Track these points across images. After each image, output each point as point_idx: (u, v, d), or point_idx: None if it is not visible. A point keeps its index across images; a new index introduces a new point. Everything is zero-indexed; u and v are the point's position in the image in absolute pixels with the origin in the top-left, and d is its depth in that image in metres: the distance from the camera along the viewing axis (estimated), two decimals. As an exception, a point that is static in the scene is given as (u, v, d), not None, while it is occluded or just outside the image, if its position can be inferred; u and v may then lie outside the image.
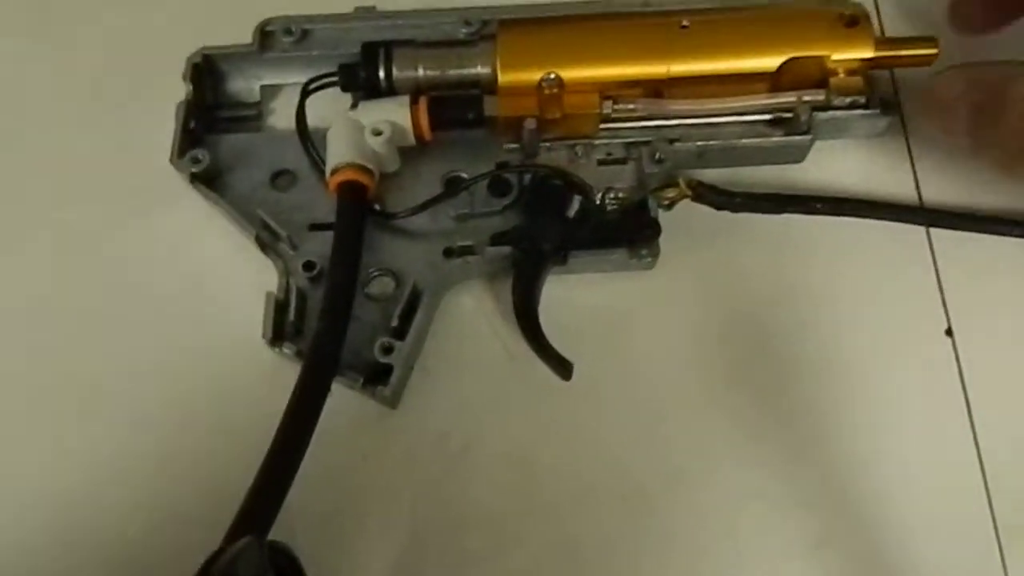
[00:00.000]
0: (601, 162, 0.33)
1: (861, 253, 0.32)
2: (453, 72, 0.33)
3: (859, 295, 0.32)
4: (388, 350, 0.29)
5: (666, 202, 0.32)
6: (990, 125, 0.29)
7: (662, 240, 0.31)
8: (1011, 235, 0.32)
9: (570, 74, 0.32)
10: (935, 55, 0.33)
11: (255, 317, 0.30)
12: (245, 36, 0.35)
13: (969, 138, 0.30)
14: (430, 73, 0.33)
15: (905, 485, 0.29)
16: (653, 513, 0.29)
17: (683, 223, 0.32)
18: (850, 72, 0.32)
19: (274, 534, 0.25)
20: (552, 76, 0.32)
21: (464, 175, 0.33)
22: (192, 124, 0.33)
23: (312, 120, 0.33)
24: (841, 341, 0.31)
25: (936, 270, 0.32)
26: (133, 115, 0.35)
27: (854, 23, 0.32)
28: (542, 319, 0.30)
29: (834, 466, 0.29)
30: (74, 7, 0.39)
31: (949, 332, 0.31)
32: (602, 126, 0.33)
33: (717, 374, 0.31)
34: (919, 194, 0.34)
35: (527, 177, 0.32)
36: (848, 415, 0.30)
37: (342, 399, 0.29)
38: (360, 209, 0.31)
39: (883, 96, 0.33)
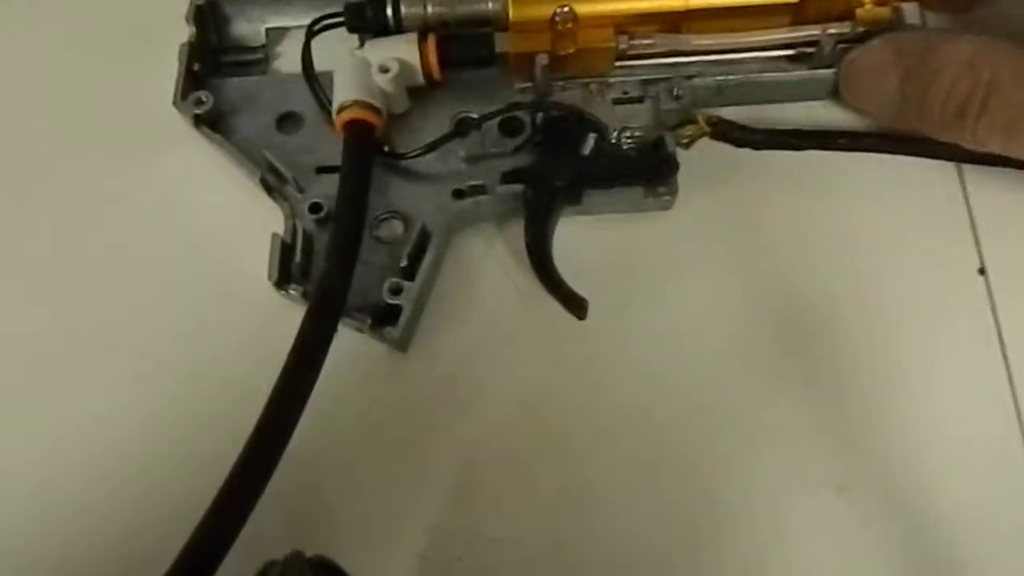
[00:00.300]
0: (616, 101, 0.32)
1: (889, 191, 0.31)
2: (463, 9, 0.31)
3: (887, 235, 0.30)
4: (397, 291, 0.28)
5: (685, 140, 0.31)
6: (919, 93, 0.28)
7: (680, 180, 0.30)
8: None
9: (584, 7, 0.30)
10: (971, -7, 0.32)
11: (261, 260, 0.29)
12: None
13: (899, 105, 0.29)
14: (439, 10, 0.31)
15: (937, 429, 0.28)
16: (670, 456, 0.28)
17: (702, 162, 0.31)
18: (878, 3, 0.31)
19: (282, 478, 0.24)
20: (566, 9, 0.31)
21: (475, 115, 0.32)
22: (196, 66, 0.32)
23: (319, 63, 0.32)
24: (869, 283, 0.30)
25: (968, 207, 0.31)
26: (137, 58, 0.34)
27: (883, -49, 0.31)
28: (556, 261, 0.29)
29: (862, 409, 0.28)
30: None
31: (982, 271, 0.30)
32: (617, 64, 0.32)
33: (737, 317, 0.30)
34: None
35: (540, 116, 0.31)
36: (878, 358, 0.29)
37: (352, 342, 0.28)
38: (367, 148, 0.30)
39: (912, 28, 0.31)
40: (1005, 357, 0.29)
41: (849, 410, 0.28)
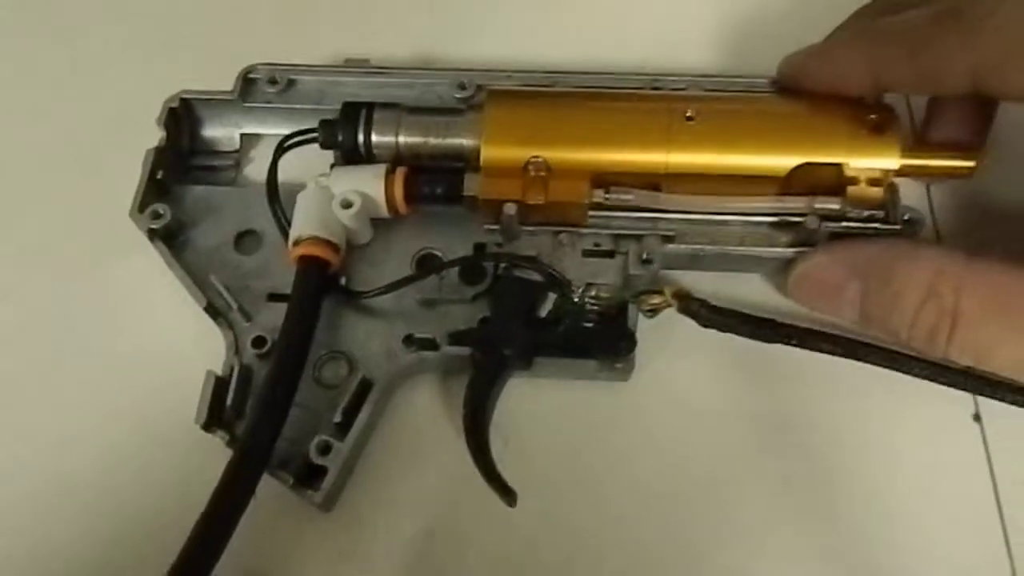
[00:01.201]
0: (587, 252, 0.30)
1: (878, 396, 0.29)
2: (436, 141, 0.30)
3: (876, 443, 0.29)
4: (325, 450, 0.27)
5: (649, 311, 0.29)
6: (883, 316, 0.27)
7: (645, 346, 0.29)
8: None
9: (559, 157, 0.29)
10: (973, 168, 0.30)
11: (197, 389, 0.28)
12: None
13: (861, 321, 0.28)
14: (412, 140, 0.30)
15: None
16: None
17: (668, 328, 0.30)
18: (872, 181, 0.29)
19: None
20: (540, 159, 0.29)
21: (438, 253, 0.31)
22: (160, 174, 0.31)
23: (294, 172, 0.31)
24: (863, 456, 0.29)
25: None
26: (109, 160, 0.33)
27: (880, 129, 0.29)
28: (504, 416, 0.28)
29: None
30: (58, 47, 0.38)
31: (977, 417, 0.29)
32: (593, 212, 0.30)
33: (682, 502, 0.28)
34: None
35: (501, 267, 0.30)
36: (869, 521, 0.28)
37: (278, 490, 0.27)
38: (317, 289, 0.29)
39: (907, 211, 0.29)
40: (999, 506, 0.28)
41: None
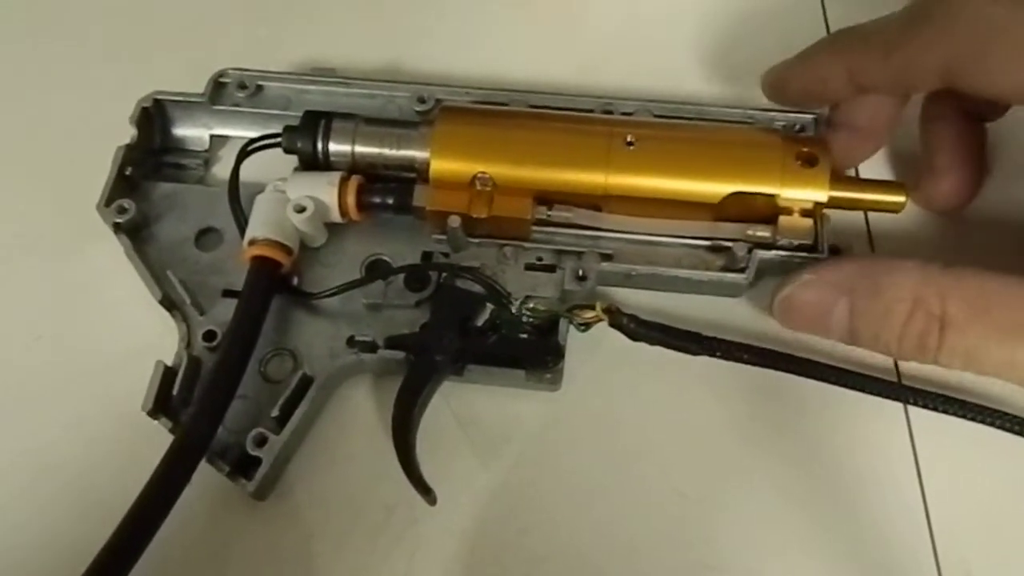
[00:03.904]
0: (529, 266, 0.32)
1: (797, 409, 0.30)
2: (390, 152, 0.32)
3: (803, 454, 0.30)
4: (261, 442, 0.28)
5: (582, 324, 0.30)
6: (873, 332, 0.28)
7: (576, 359, 0.30)
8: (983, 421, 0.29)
9: (504, 174, 0.30)
10: (902, 203, 0.31)
11: (146, 377, 0.29)
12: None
13: (850, 338, 0.29)
14: (367, 150, 0.32)
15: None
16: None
17: (600, 345, 0.31)
18: (804, 212, 0.30)
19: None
20: (486, 175, 0.31)
21: (388, 259, 0.32)
22: (129, 170, 0.33)
23: (260, 172, 0.32)
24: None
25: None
26: (84, 155, 0.34)
27: (811, 162, 0.30)
28: (435, 417, 0.29)
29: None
30: (39, 51, 0.39)
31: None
32: (538, 228, 0.32)
33: (606, 507, 0.29)
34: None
35: (444, 275, 0.31)
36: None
37: (213, 478, 0.28)
38: (266, 289, 0.30)
39: (832, 242, 0.31)
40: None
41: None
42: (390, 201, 0.31)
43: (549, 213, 0.31)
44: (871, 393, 0.29)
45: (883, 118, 0.32)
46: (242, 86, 0.34)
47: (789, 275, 0.30)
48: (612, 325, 0.30)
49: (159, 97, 0.34)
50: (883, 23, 0.29)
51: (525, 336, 0.30)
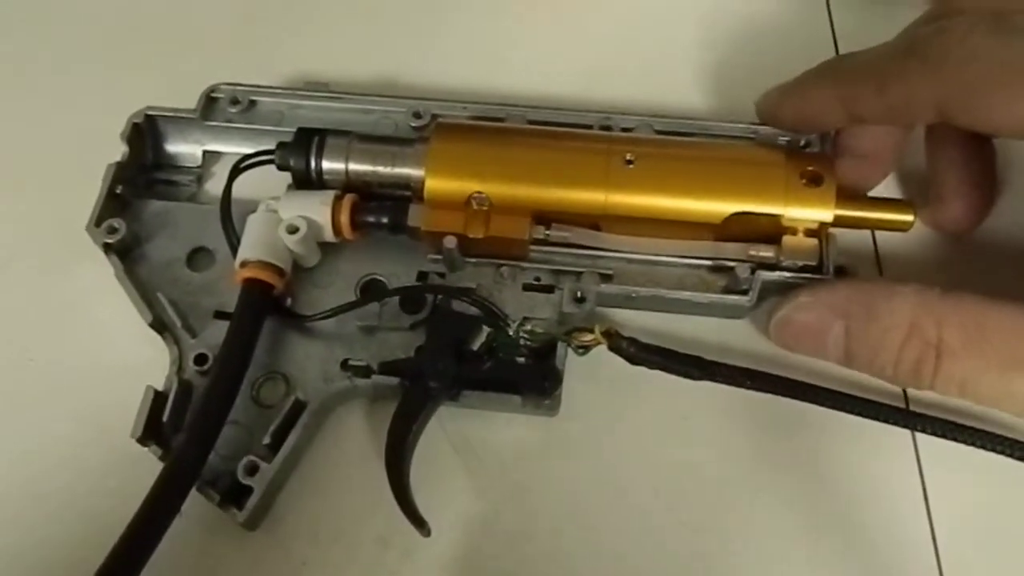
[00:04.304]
0: (527, 287, 0.31)
1: (801, 435, 0.30)
2: (385, 171, 0.31)
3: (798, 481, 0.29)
4: (252, 471, 0.28)
5: (580, 348, 0.29)
6: (869, 356, 0.27)
7: (574, 379, 0.30)
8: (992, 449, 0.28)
9: (500, 193, 0.30)
10: (911, 222, 0.30)
11: (136, 400, 0.29)
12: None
13: (846, 361, 0.28)
14: (360, 168, 0.31)
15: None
16: None
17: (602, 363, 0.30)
18: (809, 232, 0.30)
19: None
20: (482, 194, 0.30)
21: (383, 279, 0.32)
22: (119, 189, 0.32)
23: (255, 189, 0.32)
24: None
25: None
26: (74, 173, 0.33)
27: (816, 181, 0.29)
28: (430, 442, 0.29)
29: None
30: (28, 67, 0.39)
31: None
32: (536, 248, 0.31)
33: (601, 536, 0.29)
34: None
35: (439, 297, 0.30)
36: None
37: (203, 508, 0.28)
38: (258, 312, 0.29)
39: (840, 263, 0.30)
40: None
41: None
42: (385, 220, 0.31)
43: (547, 233, 0.30)
44: (878, 420, 0.28)
45: (888, 145, 0.31)
46: (235, 101, 0.34)
47: (787, 295, 0.29)
48: (611, 349, 0.29)
49: (151, 113, 0.33)
50: (877, 54, 0.28)
51: (522, 360, 0.29)
